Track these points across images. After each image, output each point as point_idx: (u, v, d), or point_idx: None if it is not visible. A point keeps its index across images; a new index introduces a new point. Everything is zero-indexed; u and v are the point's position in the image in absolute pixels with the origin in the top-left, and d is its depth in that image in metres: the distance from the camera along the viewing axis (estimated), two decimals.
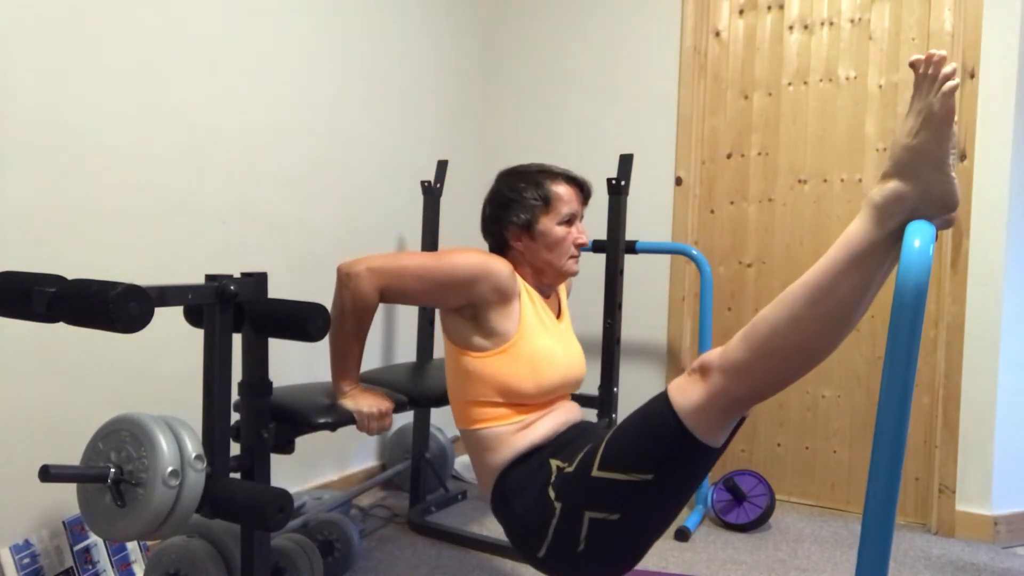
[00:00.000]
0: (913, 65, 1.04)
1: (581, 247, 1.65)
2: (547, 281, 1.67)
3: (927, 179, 1.05)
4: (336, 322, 1.54)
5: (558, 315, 1.70)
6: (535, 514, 1.41)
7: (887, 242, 1.08)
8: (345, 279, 1.51)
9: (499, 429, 1.52)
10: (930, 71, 1.03)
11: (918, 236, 0.96)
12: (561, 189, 1.64)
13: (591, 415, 2.92)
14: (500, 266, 1.51)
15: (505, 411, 1.53)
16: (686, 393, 1.22)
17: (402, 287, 1.53)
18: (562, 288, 1.78)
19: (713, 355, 1.21)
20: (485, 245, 1.68)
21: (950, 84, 1.01)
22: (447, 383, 1.62)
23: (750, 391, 1.19)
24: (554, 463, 1.46)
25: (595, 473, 1.32)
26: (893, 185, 1.07)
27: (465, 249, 1.56)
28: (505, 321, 1.52)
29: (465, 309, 1.52)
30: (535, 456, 1.50)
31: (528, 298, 1.59)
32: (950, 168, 1.05)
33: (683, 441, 1.23)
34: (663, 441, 1.25)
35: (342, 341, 1.55)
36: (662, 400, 1.27)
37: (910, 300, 0.90)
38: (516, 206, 1.62)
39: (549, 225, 1.61)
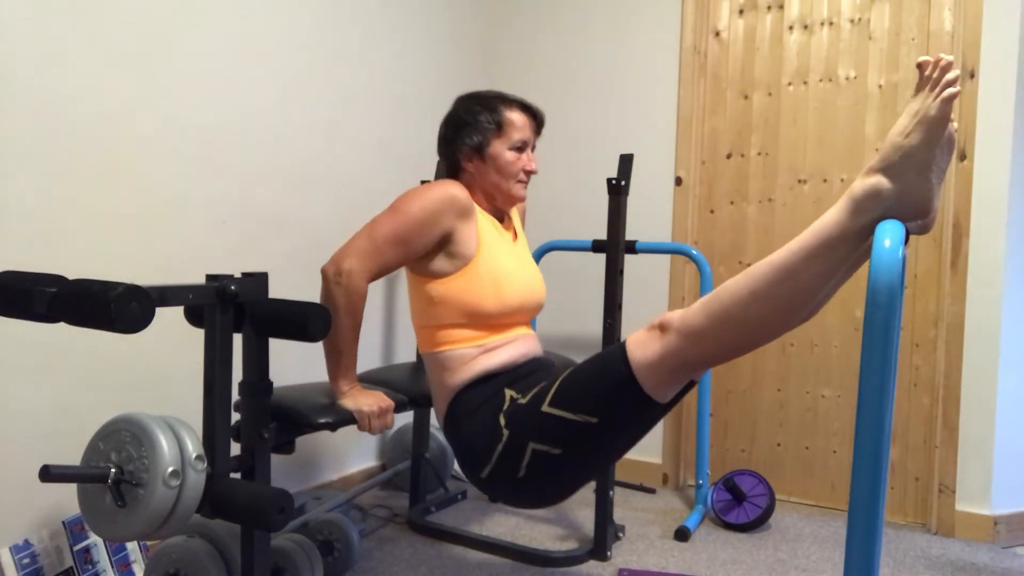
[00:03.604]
0: (920, 66, 1.05)
1: (530, 174, 1.71)
2: (498, 205, 1.72)
3: (908, 180, 1.05)
4: (331, 322, 1.53)
5: (514, 238, 1.75)
6: (484, 437, 1.46)
7: (858, 235, 1.10)
8: (336, 278, 1.52)
9: (461, 351, 1.57)
10: (935, 74, 1.03)
11: (888, 236, 0.95)
12: (515, 115, 1.68)
13: None
14: (455, 188, 1.57)
15: (468, 332, 1.58)
16: (642, 347, 1.27)
17: (385, 263, 1.56)
18: (515, 214, 1.83)
19: (675, 316, 1.25)
20: None
21: (950, 91, 1.01)
22: (411, 312, 1.66)
23: (701, 356, 1.23)
24: (508, 392, 1.50)
25: (545, 408, 1.37)
26: (874, 180, 1.08)
27: (419, 189, 1.59)
28: (466, 243, 1.57)
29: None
30: (491, 382, 1.55)
31: (484, 219, 1.64)
32: (933, 174, 1.05)
33: (631, 391, 1.28)
34: (613, 388, 1.30)
35: (339, 340, 1.54)
36: (619, 350, 1.31)
37: (883, 300, 0.89)
38: (470, 128, 1.67)
39: (500, 149, 1.66)
